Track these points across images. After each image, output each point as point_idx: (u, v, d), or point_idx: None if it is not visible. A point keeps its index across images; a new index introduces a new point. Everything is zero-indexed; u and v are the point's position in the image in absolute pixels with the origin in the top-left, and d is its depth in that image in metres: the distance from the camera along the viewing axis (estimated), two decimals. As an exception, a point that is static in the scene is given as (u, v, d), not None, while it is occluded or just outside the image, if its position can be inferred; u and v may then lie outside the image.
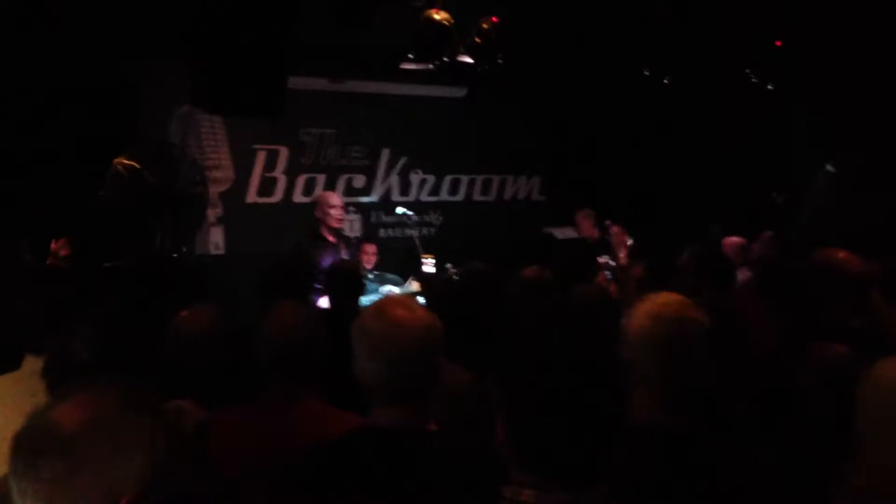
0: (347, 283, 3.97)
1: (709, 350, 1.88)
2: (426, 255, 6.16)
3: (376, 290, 5.82)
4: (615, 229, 6.18)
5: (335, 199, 5.88)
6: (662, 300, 1.94)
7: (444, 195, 8.66)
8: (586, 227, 7.02)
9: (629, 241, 6.10)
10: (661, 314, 1.88)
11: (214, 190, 7.10)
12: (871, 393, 1.78)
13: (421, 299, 5.64)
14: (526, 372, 1.48)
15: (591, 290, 3.60)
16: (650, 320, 1.88)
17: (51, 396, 2.00)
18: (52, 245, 4.64)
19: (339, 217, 5.72)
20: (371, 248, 6.76)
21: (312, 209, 5.85)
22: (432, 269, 6.02)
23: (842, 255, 3.11)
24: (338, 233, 5.79)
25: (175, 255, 5.54)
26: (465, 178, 8.77)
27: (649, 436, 1.83)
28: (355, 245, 6.25)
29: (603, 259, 6.02)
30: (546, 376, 1.45)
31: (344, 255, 5.65)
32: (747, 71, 6.93)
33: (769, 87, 6.96)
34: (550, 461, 1.44)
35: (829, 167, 7.41)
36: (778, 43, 6.66)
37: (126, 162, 5.37)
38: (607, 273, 5.74)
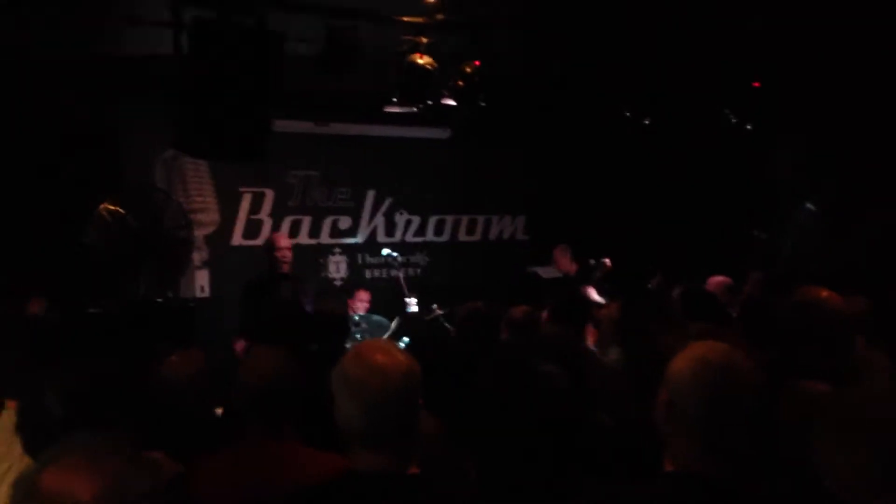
0: (331, 327, 3.96)
1: (759, 401, 1.83)
2: (410, 296, 6.18)
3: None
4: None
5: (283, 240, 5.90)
6: (710, 345, 1.89)
7: (429, 236, 8.69)
8: (563, 262, 7.05)
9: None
10: (708, 359, 1.83)
11: (200, 233, 7.10)
12: None
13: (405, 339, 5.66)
14: (498, 414, 1.48)
15: (554, 329, 3.59)
16: (697, 363, 1.83)
17: (27, 453, 1.99)
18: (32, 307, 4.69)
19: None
20: (364, 296, 6.73)
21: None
22: (416, 309, 6.04)
23: (823, 293, 3.03)
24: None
25: (160, 299, 5.51)
26: (449, 219, 8.80)
27: (688, 484, 1.79)
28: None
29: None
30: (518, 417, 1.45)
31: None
32: (726, 111, 7.03)
33: (748, 126, 7.06)
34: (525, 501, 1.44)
35: (808, 205, 7.49)
36: (756, 84, 6.77)
37: (110, 207, 5.37)
38: None
